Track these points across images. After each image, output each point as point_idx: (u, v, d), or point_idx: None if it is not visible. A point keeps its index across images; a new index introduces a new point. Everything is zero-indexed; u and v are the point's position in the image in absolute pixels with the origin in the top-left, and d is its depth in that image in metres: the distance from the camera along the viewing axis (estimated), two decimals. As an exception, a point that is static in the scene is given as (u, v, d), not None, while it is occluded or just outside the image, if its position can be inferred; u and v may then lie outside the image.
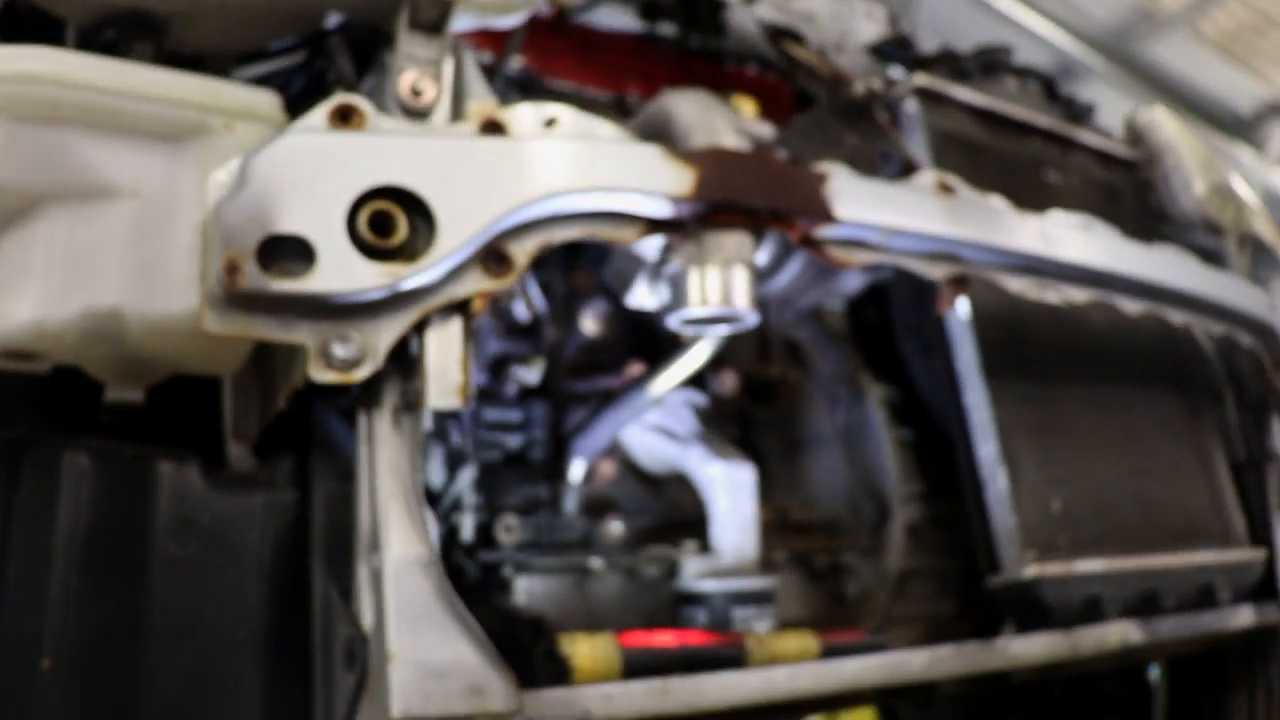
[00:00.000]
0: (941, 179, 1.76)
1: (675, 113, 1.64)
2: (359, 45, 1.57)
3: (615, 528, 1.96)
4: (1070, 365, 2.20)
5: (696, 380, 2.15)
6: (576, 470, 2.00)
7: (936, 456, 2.22)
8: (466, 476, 1.85)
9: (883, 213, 1.64)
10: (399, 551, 1.28)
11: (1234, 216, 2.56)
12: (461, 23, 1.57)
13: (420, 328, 1.40)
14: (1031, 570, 1.90)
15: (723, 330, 1.63)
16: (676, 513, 2.08)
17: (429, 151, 1.40)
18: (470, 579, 1.87)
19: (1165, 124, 2.73)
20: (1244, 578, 2.24)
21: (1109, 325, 2.24)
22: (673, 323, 1.56)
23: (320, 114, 1.41)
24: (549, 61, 2.16)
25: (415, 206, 1.38)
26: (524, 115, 1.49)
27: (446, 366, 1.40)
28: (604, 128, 1.52)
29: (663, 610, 1.96)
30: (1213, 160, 2.68)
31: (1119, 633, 1.96)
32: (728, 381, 2.13)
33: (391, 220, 1.37)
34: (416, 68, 1.52)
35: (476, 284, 1.42)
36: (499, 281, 1.43)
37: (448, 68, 1.55)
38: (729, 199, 1.51)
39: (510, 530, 1.87)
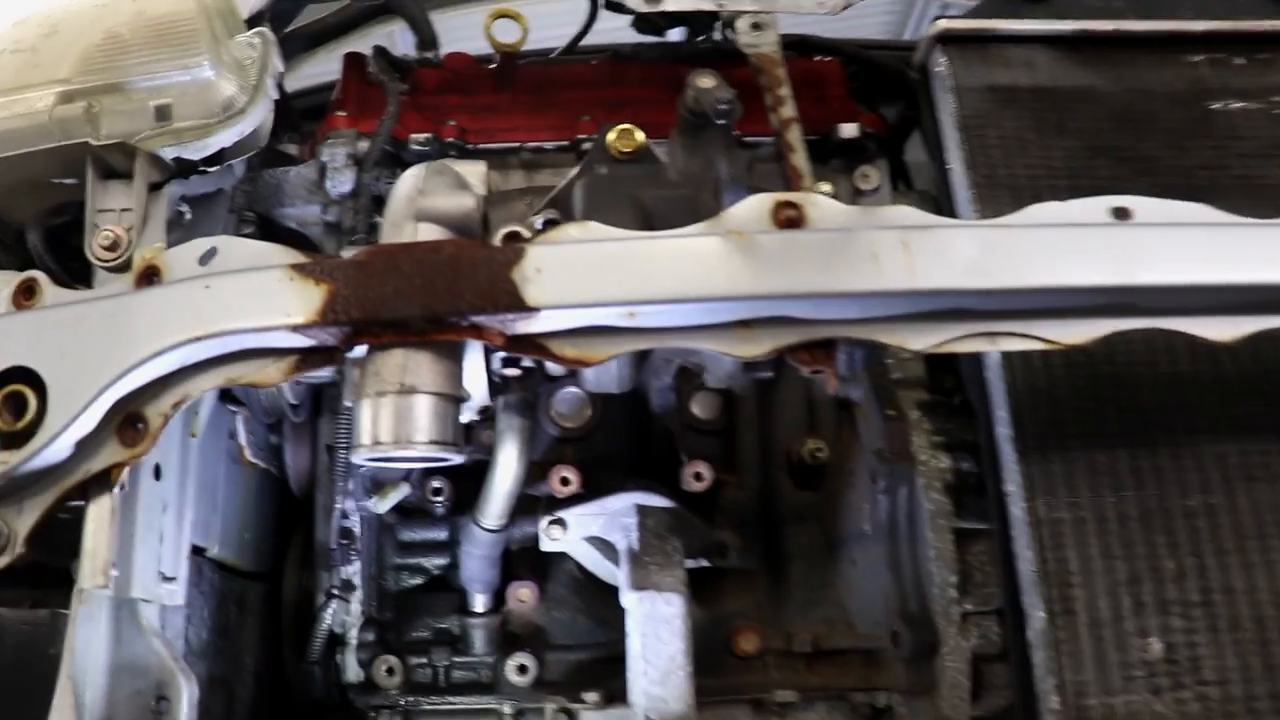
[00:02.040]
0: (778, 204, 1.27)
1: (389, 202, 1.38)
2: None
3: (518, 668, 1.68)
4: (1179, 418, 1.49)
5: (669, 471, 1.78)
6: (478, 599, 1.75)
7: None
8: (354, 609, 1.71)
9: (618, 280, 1.23)
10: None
11: None
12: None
13: (74, 506, 1.32)
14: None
15: (430, 463, 1.33)
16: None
17: (50, 324, 1.32)
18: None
19: None
20: None
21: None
22: (359, 461, 1.31)
23: (5, 294, 1.40)
24: (489, 120, 1.93)
25: (39, 384, 1.31)
26: (182, 256, 1.34)
27: (96, 545, 1.31)
28: (259, 249, 1.32)
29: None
30: None
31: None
32: (693, 475, 1.72)
33: (25, 401, 1.31)
34: (112, 222, 1.44)
35: (113, 455, 1.32)
36: (136, 449, 1.31)
37: (155, 206, 1.45)
38: (368, 315, 1.23)
39: (393, 673, 1.69)
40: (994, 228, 1.30)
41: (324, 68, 2.28)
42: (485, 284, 1.23)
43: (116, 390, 1.28)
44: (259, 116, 1.49)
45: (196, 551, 1.63)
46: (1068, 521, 1.49)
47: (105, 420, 1.30)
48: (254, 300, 1.25)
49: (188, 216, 1.62)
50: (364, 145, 1.80)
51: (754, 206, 1.29)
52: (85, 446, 1.31)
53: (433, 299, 1.23)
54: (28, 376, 1.31)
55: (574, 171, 1.61)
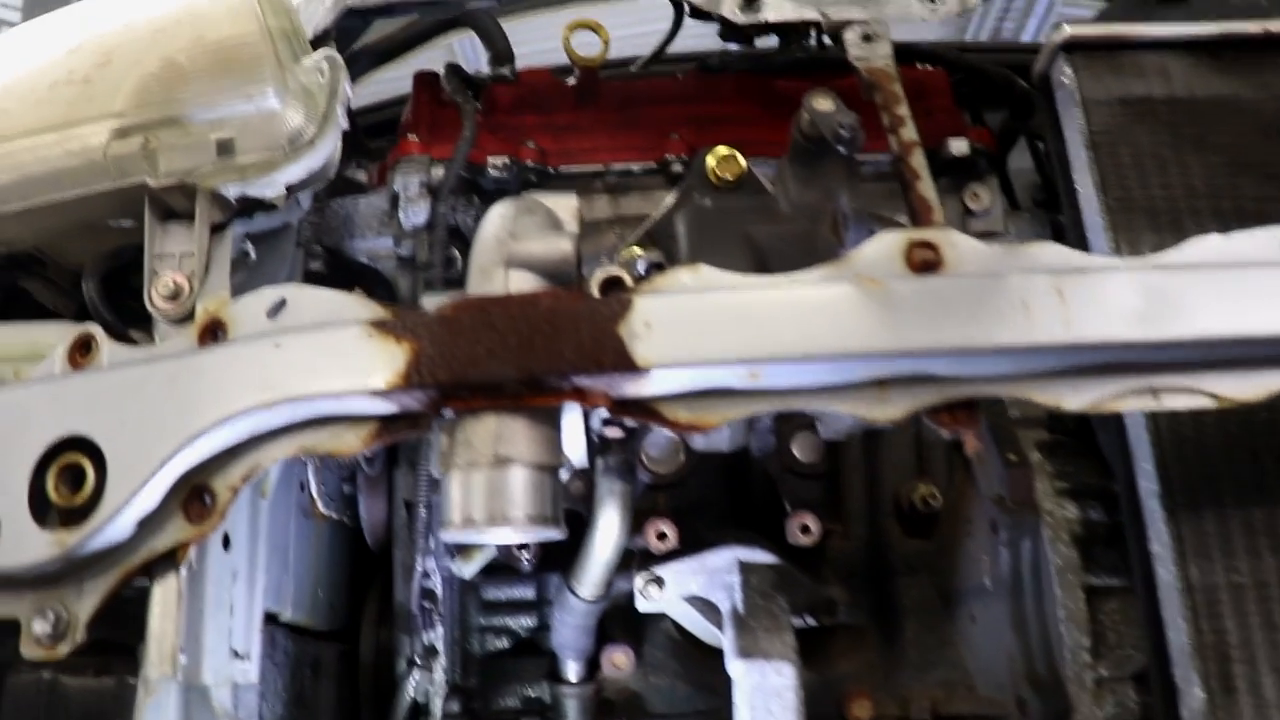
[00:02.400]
0: (911, 244, 1.13)
1: (475, 245, 1.24)
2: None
3: (612, 742, 1.55)
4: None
5: (768, 518, 1.63)
6: (570, 666, 1.62)
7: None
8: (437, 677, 1.58)
9: (738, 335, 1.09)
10: None
11: None
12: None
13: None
14: None
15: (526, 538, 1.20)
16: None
17: (108, 387, 1.21)
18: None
19: None
20: None
21: None
22: (450, 540, 1.18)
23: (60, 352, 1.29)
24: (570, 140, 1.79)
25: (98, 455, 1.19)
26: (248, 308, 1.22)
27: (162, 630, 1.20)
28: (333, 302, 1.19)
29: None
30: None
31: None
32: (800, 527, 1.57)
33: (83, 474, 1.20)
34: (172, 268, 1.32)
35: (178, 533, 1.20)
36: (203, 525, 1.19)
37: (219, 249, 1.34)
38: (457, 378, 1.10)
39: (474, 749, 1.56)
40: (1157, 269, 1.15)
41: (387, 74, 2.16)
42: (589, 342, 1.09)
43: (181, 462, 1.16)
44: (329, 148, 1.37)
45: (269, 619, 1.51)
46: (1224, 587, 1.33)
47: (170, 494, 1.18)
48: (329, 362, 1.13)
49: (252, 256, 1.51)
50: (438, 172, 1.67)
51: (885, 247, 1.14)
52: (148, 523, 1.19)
53: (530, 359, 1.09)
54: (85, 446, 1.19)
55: (669, 200, 1.47)
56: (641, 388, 1.11)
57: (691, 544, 1.58)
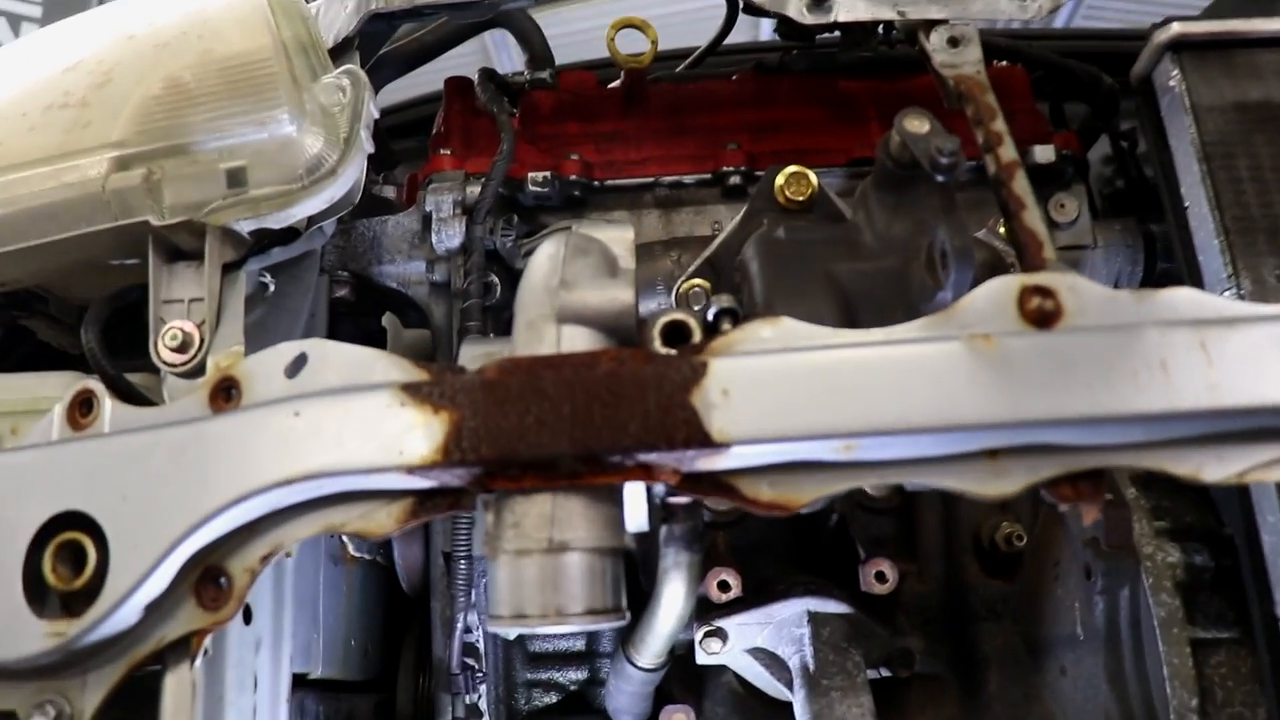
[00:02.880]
0: (1025, 290, 0.97)
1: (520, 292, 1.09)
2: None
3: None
4: None
5: (838, 560, 1.49)
6: (618, 732, 1.48)
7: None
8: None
9: (832, 404, 0.94)
10: None
11: None
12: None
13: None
14: None
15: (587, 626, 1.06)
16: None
17: (109, 456, 1.07)
18: None
19: None
20: None
21: None
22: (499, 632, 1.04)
23: (59, 410, 1.15)
24: (616, 150, 1.63)
25: (100, 533, 1.06)
26: (265, 366, 1.08)
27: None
28: (360, 361, 1.05)
29: None
30: None
31: None
32: (875, 575, 1.43)
33: (83, 554, 1.07)
34: (180, 316, 1.18)
35: (191, 620, 1.07)
36: (219, 614, 1.06)
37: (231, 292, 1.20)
38: (504, 454, 0.95)
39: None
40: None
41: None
42: (657, 412, 0.94)
43: (191, 544, 1.03)
44: (352, 176, 1.22)
45: (297, 681, 1.39)
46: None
47: (180, 576, 1.05)
48: (357, 433, 0.99)
49: (270, 287, 1.37)
50: (473, 190, 1.52)
51: (996, 296, 0.98)
52: (156, 607, 1.06)
53: (588, 432, 0.94)
54: (85, 523, 1.06)
55: (733, 224, 1.32)
56: (718, 463, 0.96)
57: (755, 590, 1.45)
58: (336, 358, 1.06)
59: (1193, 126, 1.35)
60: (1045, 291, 0.99)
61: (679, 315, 1.07)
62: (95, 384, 1.14)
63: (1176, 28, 1.38)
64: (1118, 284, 1.65)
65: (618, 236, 1.17)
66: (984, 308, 0.98)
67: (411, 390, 0.99)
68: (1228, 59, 1.39)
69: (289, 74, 1.20)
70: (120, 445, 1.07)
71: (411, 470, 0.97)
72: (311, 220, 1.27)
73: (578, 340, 1.02)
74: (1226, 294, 1.29)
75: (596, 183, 1.59)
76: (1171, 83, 1.37)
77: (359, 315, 1.61)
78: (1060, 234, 1.60)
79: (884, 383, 0.93)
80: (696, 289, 1.29)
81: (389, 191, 1.71)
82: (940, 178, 1.06)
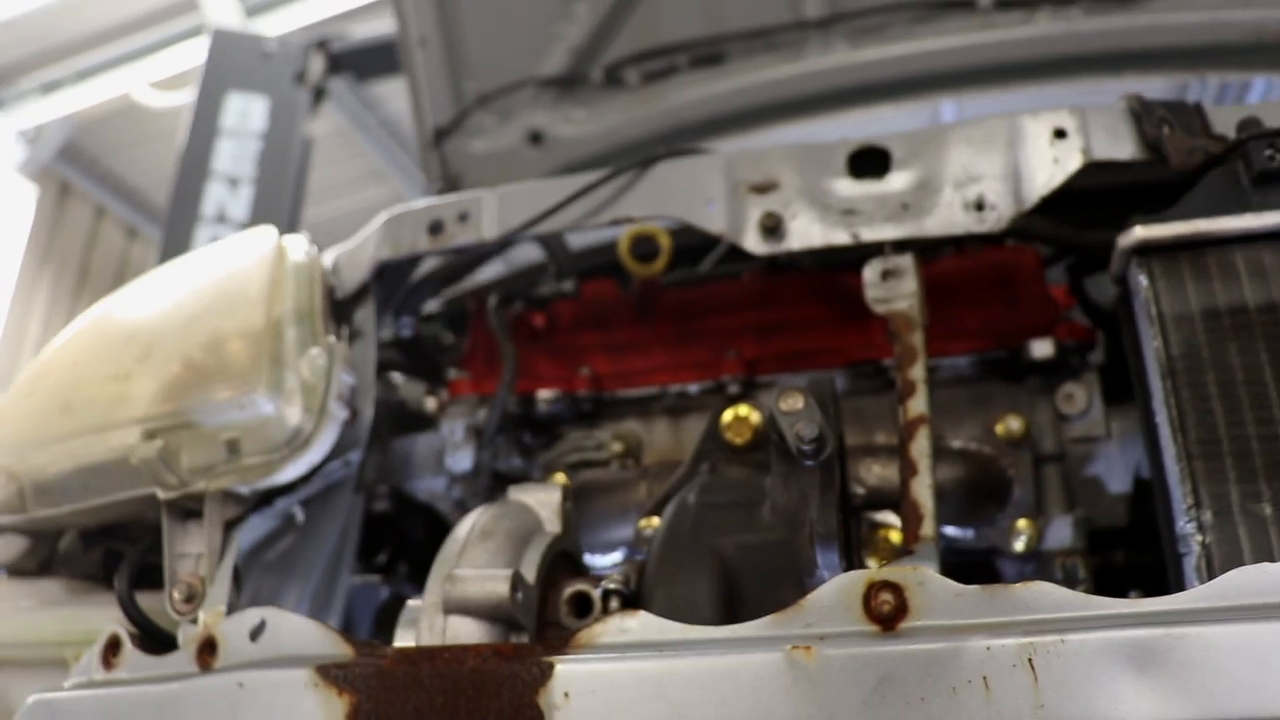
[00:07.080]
0: (871, 586, 1.01)
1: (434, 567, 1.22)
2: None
3: None
4: None
5: None
6: None
7: None
8: None
9: (651, 714, 1.00)
10: None
11: None
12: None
13: None
14: None
15: None
16: None
17: (118, 706, 1.27)
18: None
19: None
20: None
21: None
22: None
23: (96, 650, 1.37)
24: (628, 360, 1.72)
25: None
26: (235, 629, 1.25)
27: None
28: (304, 633, 1.20)
29: None
30: None
31: None
32: None
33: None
34: (189, 569, 1.38)
35: None
36: None
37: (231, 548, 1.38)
38: (388, 745, 1.07)
39: None
40: (1181, 619, 0.95)
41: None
42: (510, 710, 1.03)
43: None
44: (326, 444, 1.38)
45: None
46: None
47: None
48: (278, 709, 1.13)
49: (299, 518, 1.55)
50: (484, 414, 1.65)
51: (842, 592, 1.02)
52: None
53: (456, 722, 1.05)
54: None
55: (682, 467, 1.38)
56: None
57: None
58: (288, 626, 1.22)
59: (1158, 338, 1.28)
60: (893, 587, 1.01)
61: (582, 586, 1.17)
62: (121, 631, 1.34)
63: (1139, 232, 1.31)
64: (1137, 475, 1.57)
65: (546, 499, 1.27)
66: (829, 605, 1.02)
67: (324, 673, 1.12)
68: (1198, 260, 1.31)
69: (270, 355, 1.37)
70: (126, 695, 1.26)
71: (315, 751, 1.10)
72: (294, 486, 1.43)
73: (460, 631, 1.12)
74: (1189, 525, 1.23)
75: (606, 395, 1.68)
76: (1139, 291, 1.32)
77: (397, 530, 1.77)
78: (1070, 426, 1.55)
79: (702, 698, 0.98)
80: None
81: (430, 404, 1.86)
82: (806, 462, 1.09)
